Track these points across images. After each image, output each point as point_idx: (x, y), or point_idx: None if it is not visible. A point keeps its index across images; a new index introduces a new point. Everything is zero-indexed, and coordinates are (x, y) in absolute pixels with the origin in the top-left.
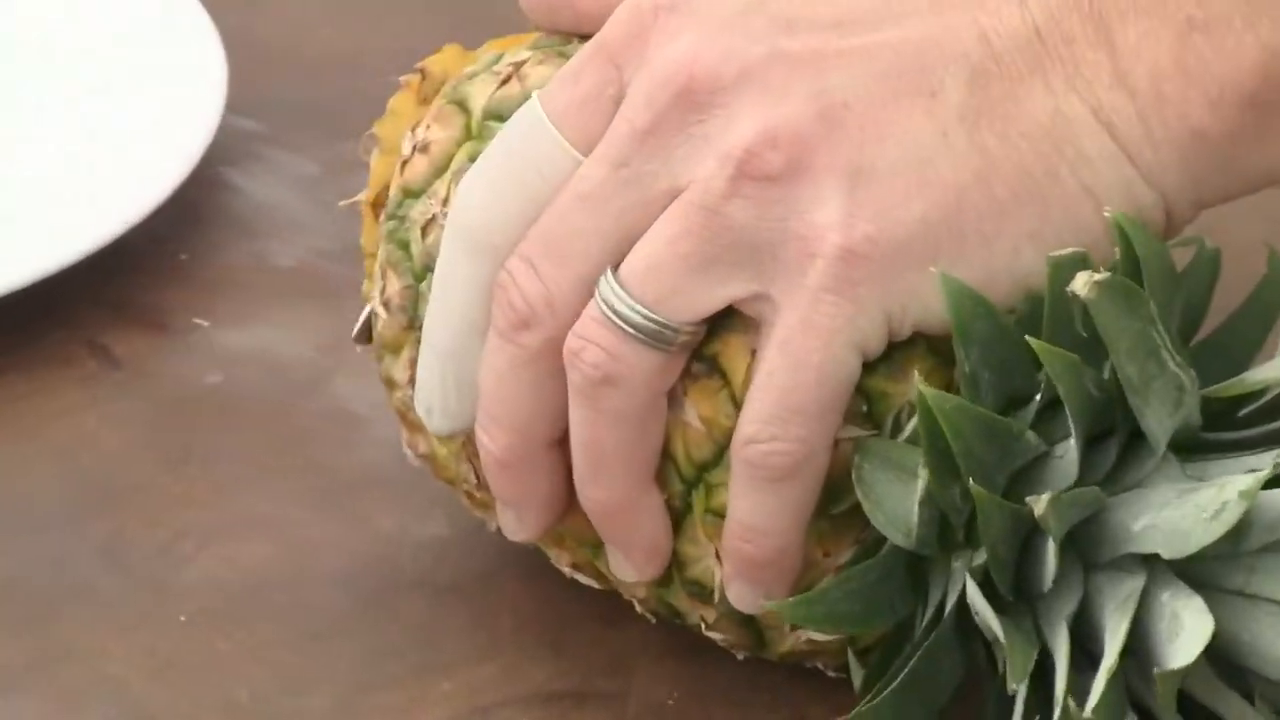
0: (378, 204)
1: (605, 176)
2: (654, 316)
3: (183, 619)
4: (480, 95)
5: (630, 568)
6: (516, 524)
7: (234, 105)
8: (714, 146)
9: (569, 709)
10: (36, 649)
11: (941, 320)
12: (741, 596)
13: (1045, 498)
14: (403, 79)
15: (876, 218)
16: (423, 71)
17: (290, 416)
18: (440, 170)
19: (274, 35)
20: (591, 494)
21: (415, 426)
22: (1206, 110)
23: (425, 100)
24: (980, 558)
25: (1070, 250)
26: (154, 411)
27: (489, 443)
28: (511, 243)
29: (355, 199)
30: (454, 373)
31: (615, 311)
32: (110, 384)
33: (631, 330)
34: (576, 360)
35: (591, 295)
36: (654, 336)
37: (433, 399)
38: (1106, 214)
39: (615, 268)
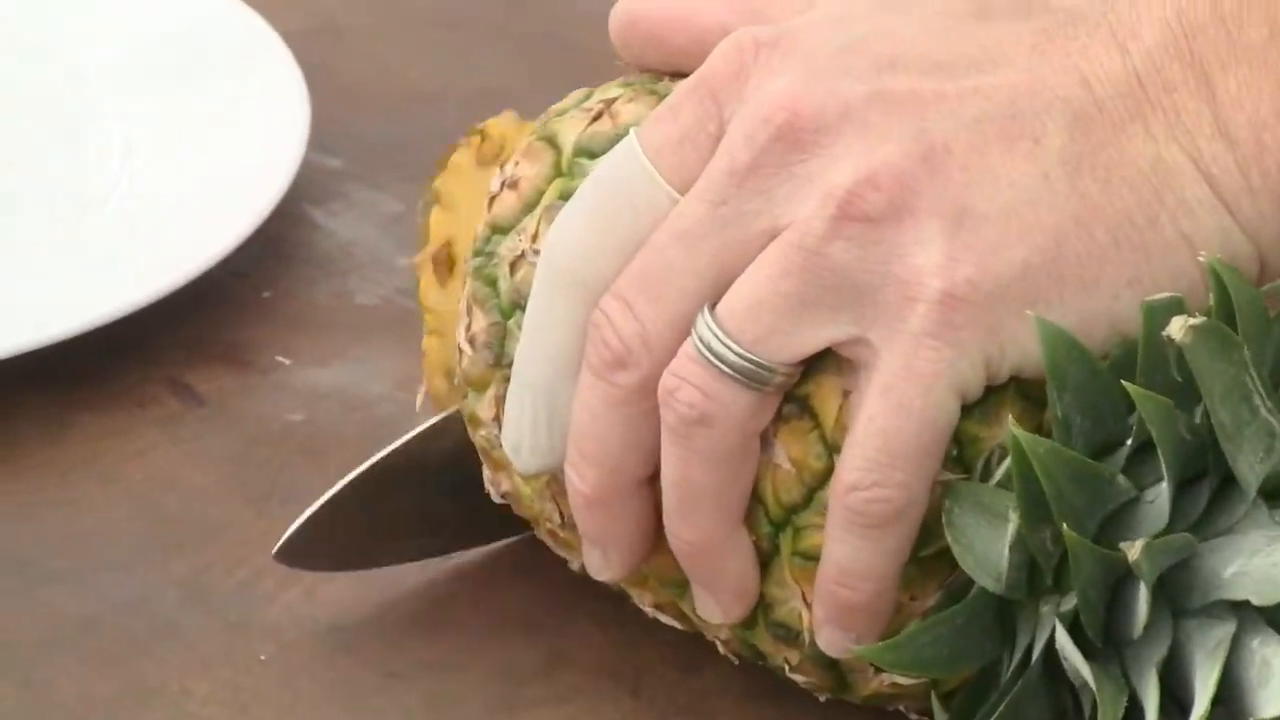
0: (436, 260)
1: (704, 215)
2: (751, 356)
3: (263, 657)
4: (570, 132)
5: (717, 609)
6: (602, 563)
7: (317, 143)
8: (815, 186)
9: None
10: (120, 687)
11: (1038, 363)
12: (832, 642)
13: (1140, 543)
14: (462, 140)
15: (978, 262)
16: (482, 133)
17: (372, 454)
18: (530, 206)
19: (356, 73)
20: (681, 534)
21: (499, 464)
22: None
23: (484, 162)
24: (1070, 603)
25: (1165, 295)
26: (235, 450)
27: (578, 480)
28: (606, 281)
29: (414, 259)
30: (546, 411)
31: (712, 350)
32: (191, 422)
33: (728, 370)
34: (671, 399)
35: (687, 334)
36: (750, 376)
37: (522, 437)
38: (1201, 259)
39: (713, 306)
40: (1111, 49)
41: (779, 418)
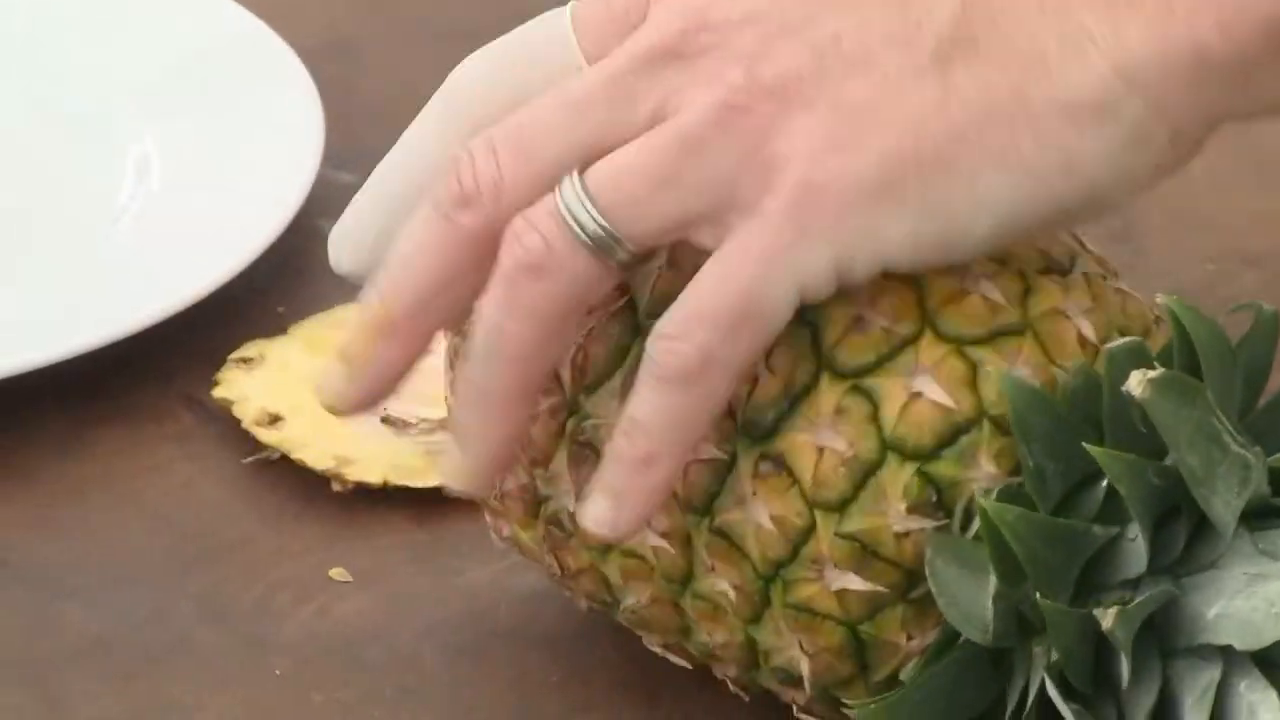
0: None
1: (596, 88)
2: (605, 224)
3: (278, 673)
4: None
5: (460, 468)
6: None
7: (332, 158)
8: (705, 77)
9: None
10: (134, 703)
11: (901, 261)
12: (591, 511)
13: (1112, 612)
14: None
15: (838, 153)
16: None
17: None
18: None
19: (372, 89)
20: (469, 374)
21: (497, 512)
22: (1215, 31)
23: None
24: (1057, 653)
25: (1125, 341)
26: (250, 465)
27: (378, 301)
28: (485, 120)
29: None
30: (384, 219)
31: (569, 209)
32: (206, 438)
33: (580, 231)
34: (515, 242)
35: (539, 197)
36: (599, 244)
37: (348, 232)
38: (1160, 300)
39: (581, 171)
40: None
41: (758, 476)
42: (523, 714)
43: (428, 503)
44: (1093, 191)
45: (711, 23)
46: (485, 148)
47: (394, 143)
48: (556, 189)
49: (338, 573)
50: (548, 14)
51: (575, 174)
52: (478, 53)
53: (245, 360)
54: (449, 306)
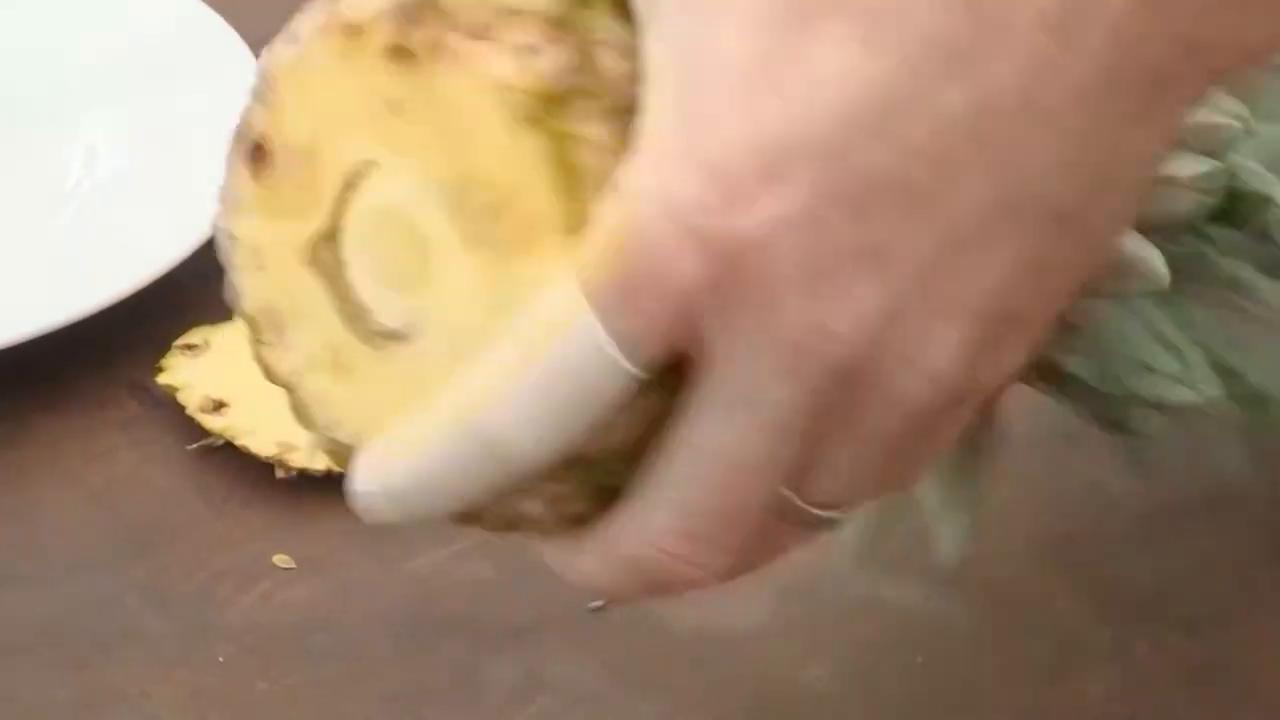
0: None
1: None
2: None
3: (222, 660)
4: None
5: None
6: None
7: None
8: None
9: None
10: (80, 691)
11: None
12: None
13: None
14: None
15: None
16: None
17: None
18: None
19: None
20: None
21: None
22: None
23: None
24: None
25: None
26: (195, 452)
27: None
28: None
29: None
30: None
31: None
32: (151, 424)
33: None
34: None
35: None
36: None
37: None
38: None
39: None
40: None
41: None
42: (468, 700)
43: None
44: None
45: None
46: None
47: None
48: None
49: (282, 559)
50: (557, 302)
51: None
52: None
53: (190, 347)
54: None
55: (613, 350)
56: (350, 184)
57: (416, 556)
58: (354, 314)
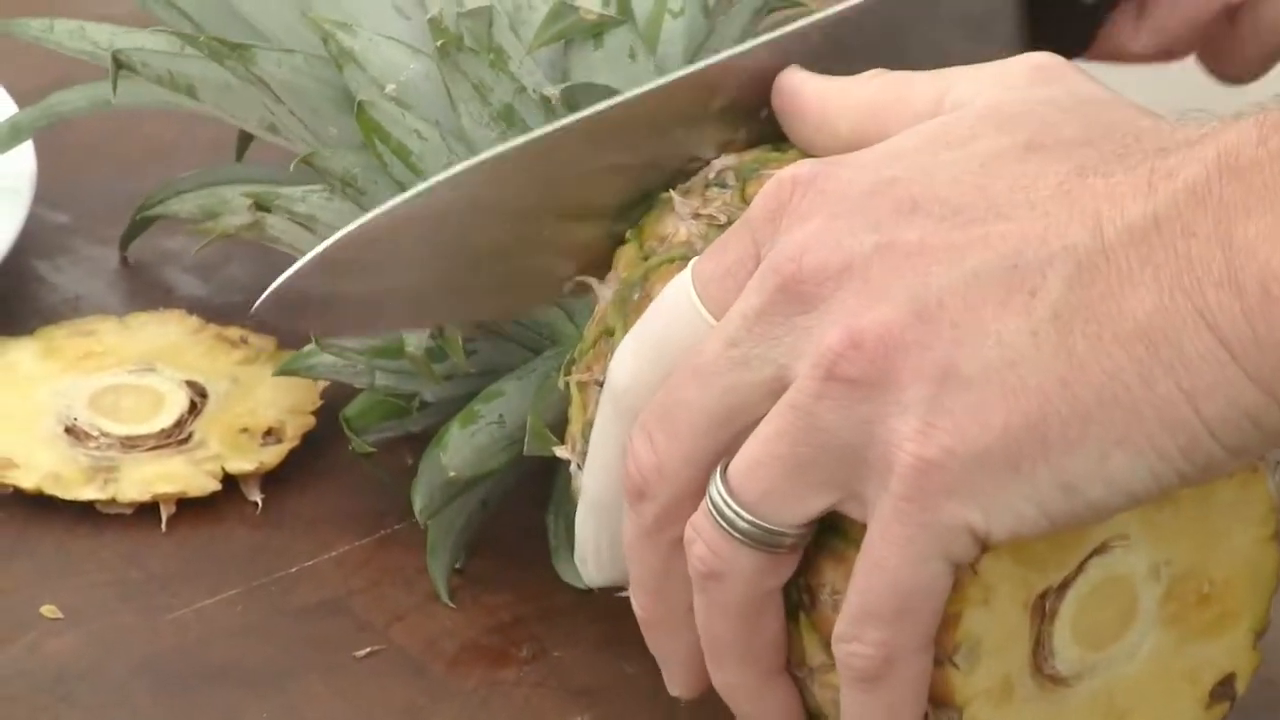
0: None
1: (718, 354)
2: (754, 520)
3: None
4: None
5: None
6: (668, 680)
7: (44, 199)
8: (811, 342)
9: None
10: None
11: (1039, 527)
12: None
13: None
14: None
15: (954, 428)
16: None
17: (90, 510)
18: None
19: (87, 129)
20: (713, 674)
21: None
22: None
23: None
24: None
25: None
26: None
27: (635, 604)
28: (641, 398)
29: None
30: (605, 527)
31: (719, 512)
32: None
33: (734, 533)
34: (689, 550)
35: (705, 471)
36: (757, 540)
37: (586, 551)
38: None
39: (726, 466)
40: (1140, 191)
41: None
42: None
43: (138, 540)
44: (1210, 465)
45: (810, 273)
46: (642, 435)
47: (108, 181)
48: (706, 494)
49: (49, 610)
50: (671, 282)
51: (718, 475)
52: (626, 342)
53: None
54: (684, 584)
55: (694, 293)
56: (1099, 550)
57: (180, 607)
58: (1040, 656)
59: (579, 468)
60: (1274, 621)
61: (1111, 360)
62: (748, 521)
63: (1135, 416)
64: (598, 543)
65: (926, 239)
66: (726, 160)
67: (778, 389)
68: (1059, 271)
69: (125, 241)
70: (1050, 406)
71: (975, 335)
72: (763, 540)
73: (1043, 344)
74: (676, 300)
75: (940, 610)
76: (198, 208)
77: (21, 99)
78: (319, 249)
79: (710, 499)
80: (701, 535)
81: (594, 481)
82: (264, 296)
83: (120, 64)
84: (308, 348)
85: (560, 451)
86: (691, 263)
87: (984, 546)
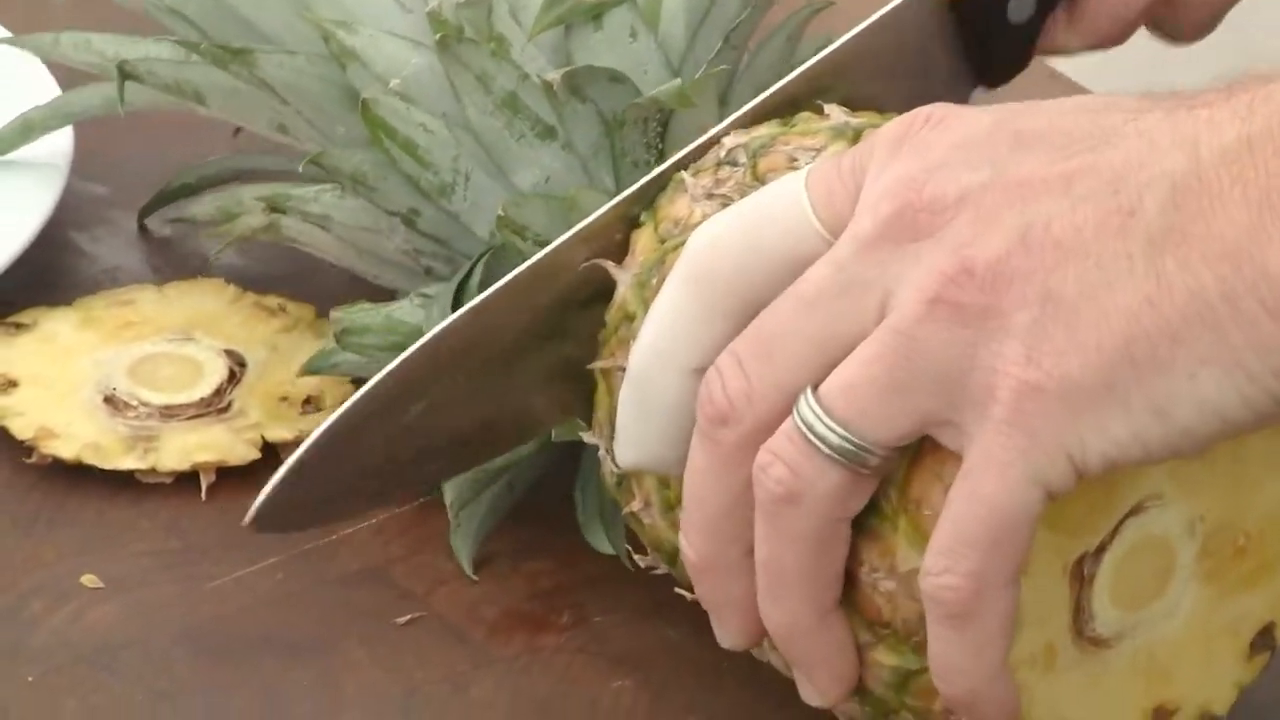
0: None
1: (825, 278)
2: (848, 435)
3: (31, 679)
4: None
5: (814, 691)
6: (721, 631)
7: (81, 170)
8: (920, 268)
9: None
10: None
11: (1132, 458)
12: None
13: None
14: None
15: (1055, 352)
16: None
17: (130, 479)
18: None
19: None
20: (770, 614)
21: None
22: None
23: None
24: None
25: None
26: (2, 473)
27: (687, 547)
28: (729, 283)
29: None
30: (641, 398)
31: (809, 427)
32: None
33: (824, 448)
34: (762, 475)
35: (790, 402)
36: (846, 455)
37: (623, 426)
38: None
39: (817, 386)
40: (1240, 115)
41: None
42: (274, 717)
43: (179, 510)
44: None
45: (927, 202)
46: (732, 360)
47: (144, 153)
48: (794, 410)
49: (89, 579)
50: (785, 177)
51: (809, 392)
52: (715, 220)
53: (18, 325)
54: (745, 525)
55: (804, 190)
56: (1134, 511)
57: (221, 575)
58: (1080, 620)
59: (607, 453)
60: None
61: (1197, 279)
62: (840, 435)
63: (1220, 336)
64: (631, 417)
65: (1039, 169)
66: (738, 138)
67: (881, 316)
68: (1155, 194)
69: (144, 214)
70: (1139, 327)
71: (1077, 259)
72: (851, 456)
73: (1135, 265)
74: (786, 191)
75: (1029, 545)
76: (216, 209)
77: (55, 69)
78: (291, 460)
79: (799, 415)
80: (782, 456)
81: (640, 351)
82: (253, 512)
83: (126, 74)
84: (330, 346)
85: (588, 437)
86: (807, 167)
87: (1079, 476)
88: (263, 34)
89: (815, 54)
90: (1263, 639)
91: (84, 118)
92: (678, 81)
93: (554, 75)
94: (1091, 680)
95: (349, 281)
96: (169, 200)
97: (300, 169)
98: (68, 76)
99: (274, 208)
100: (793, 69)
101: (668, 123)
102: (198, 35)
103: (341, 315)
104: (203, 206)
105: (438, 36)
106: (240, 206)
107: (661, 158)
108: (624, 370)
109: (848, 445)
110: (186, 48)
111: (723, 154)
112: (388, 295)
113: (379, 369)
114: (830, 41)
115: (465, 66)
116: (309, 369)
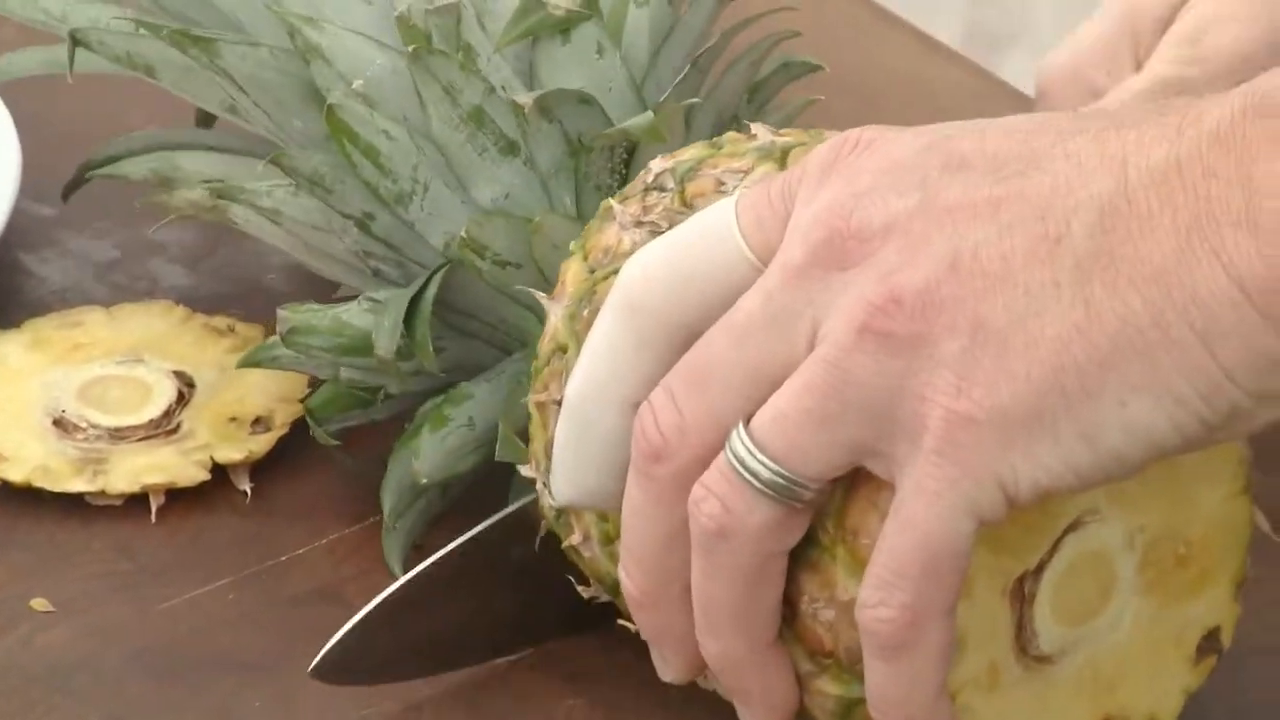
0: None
1: (755, 309)
2: (780, 470)
3: None
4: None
5: None
6: (661, 664)
7: (30, 191)
8: (849, 296)
9: None
10: None
11: (1060, 481)
12: None
13: None
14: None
15: (984, 381)
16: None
17: (80, 501)
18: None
19: (71, 120)
20: (706, 646)
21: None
22: None
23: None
24: None
25: None
26: None
27: (627, 581)
28: (659, 314)
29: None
30: (577, 432)
31: (741, 462)
32: None
33: (756, 483)
34: (696, 510)
35: (723, 436)
36: (778, 490)
37: (558, 461)
38: None
39: (749, 420)
40: (1168, 136)
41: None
42: None
43: (129, 532)
44: (1235, 412)
45: (854, 229)
46: (665, 395)
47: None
48: (726, 445)
49: (39, 603)
50: (716, 204)
51: (742, 426)
52: (647, 249)
53: None
54: (684, 560)
55: (735, 228)
56: (1072, 527)
57: (173, 597)
58: (1023, 638)
59: (544, 485)
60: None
61: (1125, 305)
62: (771, 470)
63: (1150, 362)
64: (566, 451)
65: (968, 194)
66: (664, 162)
67: (811, 346)
68: (1082, 219)
69: (68, 191)
70: (1068, 355)
71: (1006, 288)
72: (783, 491)
73: (1063, 293)
74: (716, 218)
75: (964, 574)
76: (150, 171)
77: (3, 88)
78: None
79: (731, 450)
80: (714, 491)
81: (585, 388)
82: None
83: (77, 42)
84: (270, 340)
85: (525, 471)
86: (738, 192)
87: (1011, 505)
88: (223, 14)
89: (777, 78)
90: (1209, 643)
91: (21, 76)
92: (649, 115)
93: (526, 98)
94: (1037, 697)
95: (298, 301)
96: (94, 168)
97: (260, 169)
98: (19, 35)
99: (223, 196)
100: (757, 94)
101: (634, 150)
102: (156, 9)
103: (289, 314)
104: (136, 166)
105: (410, 48)
106: (176, 171)
107: (624, 183)
108: (559, 404)
109: (779, 480)
110: (150, 30)
111: (650, 179)
112: (332, 288)
113: (317, 366)
114: (791, 66)
115: (434, 77)
116: (247, 361)
